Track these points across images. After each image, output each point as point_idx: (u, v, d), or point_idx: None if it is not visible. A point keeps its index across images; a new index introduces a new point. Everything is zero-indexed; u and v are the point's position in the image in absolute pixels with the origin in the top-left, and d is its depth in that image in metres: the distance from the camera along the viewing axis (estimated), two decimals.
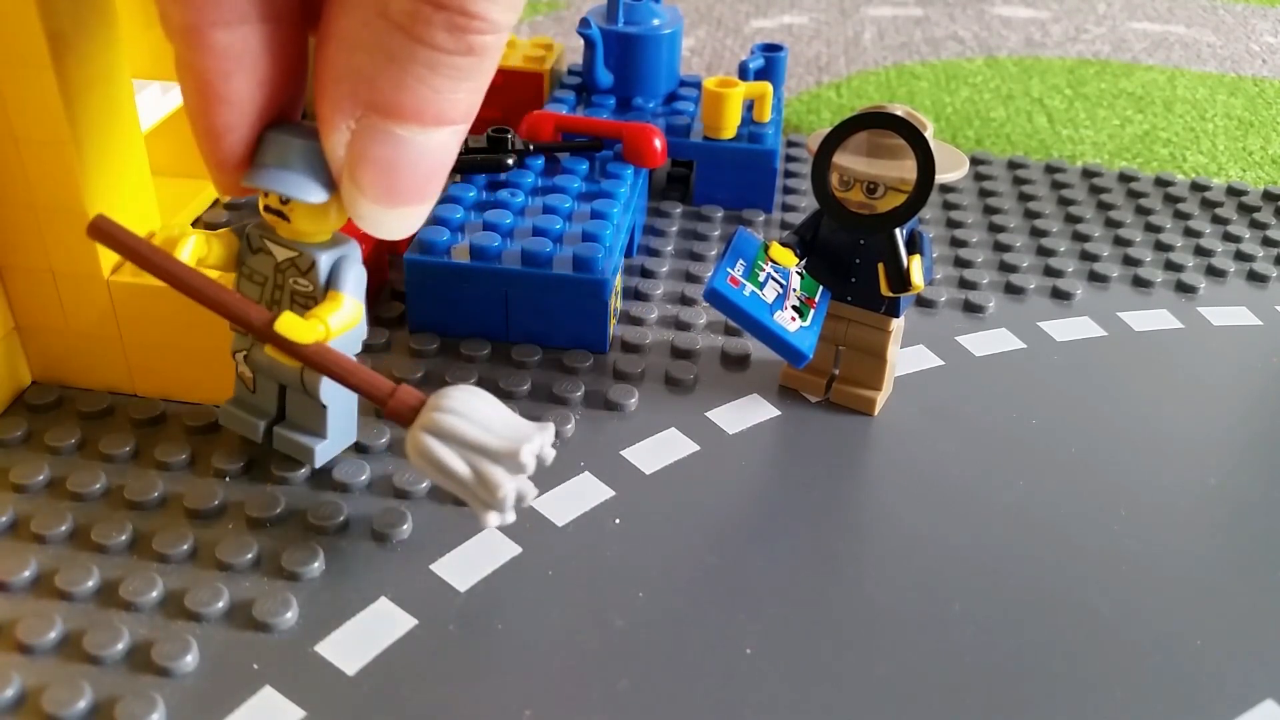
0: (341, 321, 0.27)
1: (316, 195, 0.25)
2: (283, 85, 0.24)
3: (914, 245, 0.32)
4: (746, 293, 0.32)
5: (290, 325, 0.25)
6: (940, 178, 0.31)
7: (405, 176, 0.22)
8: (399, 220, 0.24)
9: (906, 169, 0.31)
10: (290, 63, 0.24)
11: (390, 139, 0.22)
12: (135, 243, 0.26)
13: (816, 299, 0.34)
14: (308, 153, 0.24)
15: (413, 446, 0.26)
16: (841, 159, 0.32)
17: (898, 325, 0.34)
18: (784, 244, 0.33)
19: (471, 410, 0.26)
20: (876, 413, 0.35)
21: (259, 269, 0.28)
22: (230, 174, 0.24)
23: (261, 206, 0.27)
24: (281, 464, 0.31)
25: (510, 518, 0.26)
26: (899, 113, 0.31)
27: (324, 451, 0.30)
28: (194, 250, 0.26)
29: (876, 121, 0.31)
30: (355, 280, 0.27)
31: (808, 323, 0.33)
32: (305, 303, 0.27)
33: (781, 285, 0.33)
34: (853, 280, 0.34)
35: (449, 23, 0.20)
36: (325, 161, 0.25)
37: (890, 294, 0.33)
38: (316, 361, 0.26)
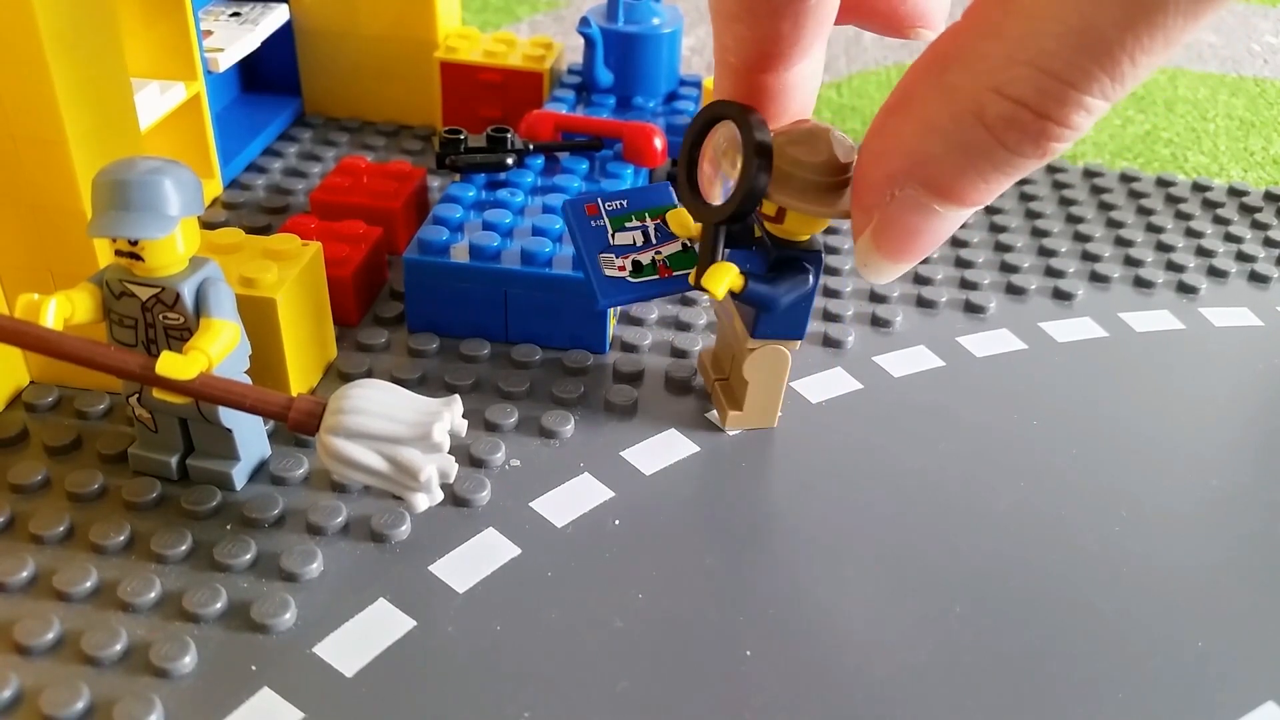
0: (221, 347, 0.26)
1: (163, 230, 0.25)
2: None
3: (784, 269, 0.29)
4: (595, 224, 0.29)
5: (172, 364, 0.25)
6: (804, 207, 0.27)
7: (922, 243, 0.24)
8: (894, 273, 0.25)
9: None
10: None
11: (925, 212, 0.23)
12: None
13: (674, 274, 0.30)
14: (143, 189, 0.24)
15: (324, 452, 0.26)
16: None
17: (774, 353, 0.32)
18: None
19: (371, 402, 0.26)
20: (728, 429, 0.34)
21: (127, 313, 0.27)
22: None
23: (114, 251, 0.26)
24: (280, 464, 0.31)
25: (438, 497, 0.27)
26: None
27: (241, 473, 0.30)
28: (58, 312, 0.25)
29: (717, 113, 0.27)
30: (225, 300, 0.27)
31: (636, 280, 0.29)
32: (180, 335, 0.27)
33: (648, 240, 0.30)
34: None
35: (1041, 131, 0.20)
36: (165, 193, 0.24)
37: (692, 283, 0.29)
38: (206, 394, 0.26)
